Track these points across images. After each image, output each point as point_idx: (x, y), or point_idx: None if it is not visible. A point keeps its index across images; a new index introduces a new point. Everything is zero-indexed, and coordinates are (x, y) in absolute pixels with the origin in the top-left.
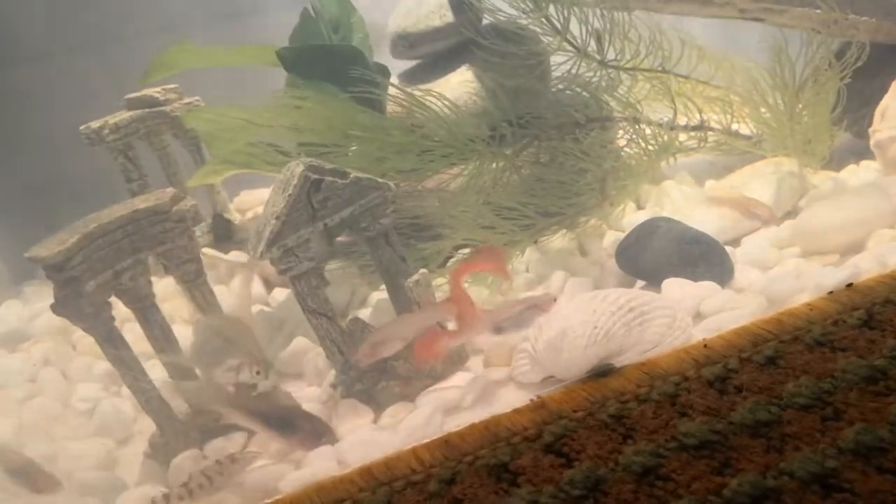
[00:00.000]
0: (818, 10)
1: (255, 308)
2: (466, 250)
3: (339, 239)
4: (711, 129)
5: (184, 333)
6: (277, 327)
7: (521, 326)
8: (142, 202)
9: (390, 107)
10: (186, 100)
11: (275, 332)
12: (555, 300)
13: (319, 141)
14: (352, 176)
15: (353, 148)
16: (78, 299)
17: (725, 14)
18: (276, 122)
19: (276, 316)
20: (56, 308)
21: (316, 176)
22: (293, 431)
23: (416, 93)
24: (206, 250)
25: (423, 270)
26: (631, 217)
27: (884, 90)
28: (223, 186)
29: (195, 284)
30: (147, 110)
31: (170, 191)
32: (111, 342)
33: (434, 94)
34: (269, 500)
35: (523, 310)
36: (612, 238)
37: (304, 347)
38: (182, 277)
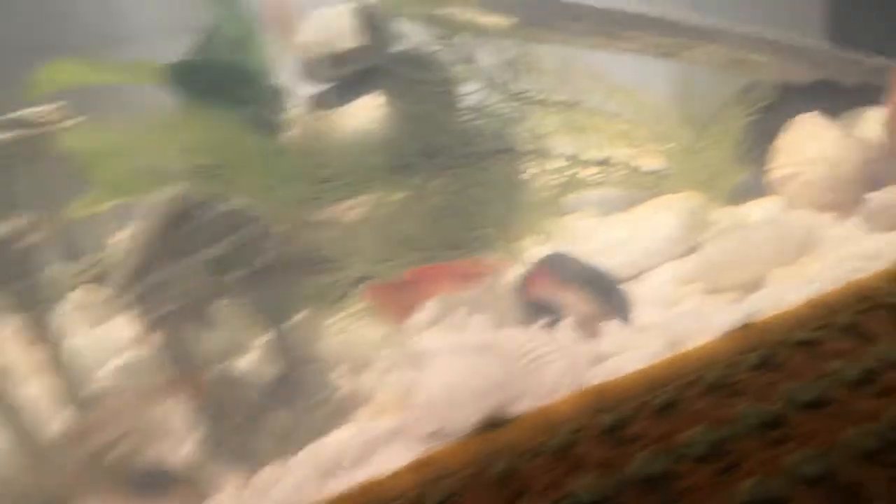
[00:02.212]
0: (724, 49)
1: (130, 353)
2: (362, 286)
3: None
4: (618, 163)
5: None
6: (156, 374)
7: None
8: None
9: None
10: (71, 120)
11: (154, 379)
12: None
13: (207, 164)
14: (225, 207)
15: (237, 177)
16: None
17: (634, 48)
18: (162, 142)
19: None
20: None
21: (183, 206)
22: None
23: (318, 118)
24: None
25: (305, 312)
26: (534, 251)
27: (782, 127)
28: (111, 216)
29: (39, 327)
30: (25, 132)
31: (10, 223)
32: None
33: (335, 119)
34: None
35: None
36: (515, 272)
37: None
38: (27, 321)
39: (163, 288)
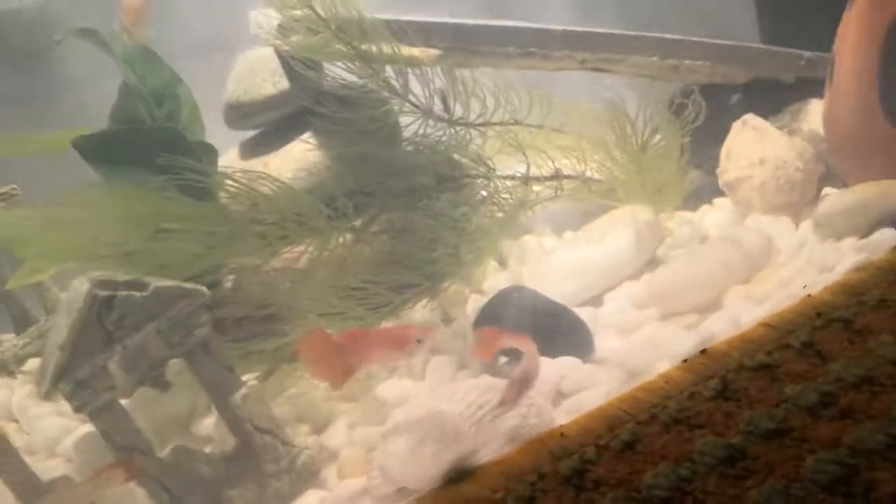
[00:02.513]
0: (655, 58)
1: (85, 429)
2: None
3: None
4: (566, 176)
5: None
6: (107, 454)
7: None
8: None
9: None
10: (1, 190)
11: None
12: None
13: (132, 239)
14: (152, 287)
15: (170, 248)
16: None
17: (567, 66)
18: (81, 221)
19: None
20: None
21: (106, 292)
22: None
23: (239, 172)
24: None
25: (252, 382)
26: (493, 279)
27: (727, 130)
28: (53, 283)
29: None
30: None
31: None
32: None
33: (258, 172)
34: None
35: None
36: (475, 302)
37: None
38: None
39: (97, 378)
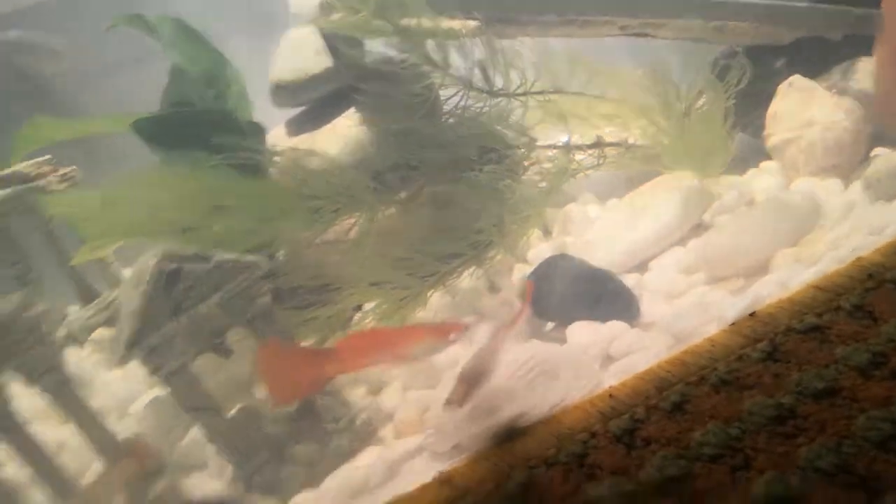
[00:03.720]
0: (698, 21)
1: (153, 394)
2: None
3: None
4: (609, 144)
5: None
6: (177, 414)
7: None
8: None
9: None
10: (62, 171)
11: (174, 419)
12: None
13: (190, 217)
14: (215, 260)
15: (229, 224)
16: None
17: (607, 33)
18: (140, 200)
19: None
20: None
21: (173, 266)
22: None
23: (288, 149)
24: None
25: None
26: (537, 247)
27: (773, 92)
28: (114, 259)
29: (59, 395)
30: (20, 187)
31: (15, 297)
32: None
33: (307, 149)
34: None
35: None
36: (520, 271)
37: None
38: (44, 389)
39: (167, 345)
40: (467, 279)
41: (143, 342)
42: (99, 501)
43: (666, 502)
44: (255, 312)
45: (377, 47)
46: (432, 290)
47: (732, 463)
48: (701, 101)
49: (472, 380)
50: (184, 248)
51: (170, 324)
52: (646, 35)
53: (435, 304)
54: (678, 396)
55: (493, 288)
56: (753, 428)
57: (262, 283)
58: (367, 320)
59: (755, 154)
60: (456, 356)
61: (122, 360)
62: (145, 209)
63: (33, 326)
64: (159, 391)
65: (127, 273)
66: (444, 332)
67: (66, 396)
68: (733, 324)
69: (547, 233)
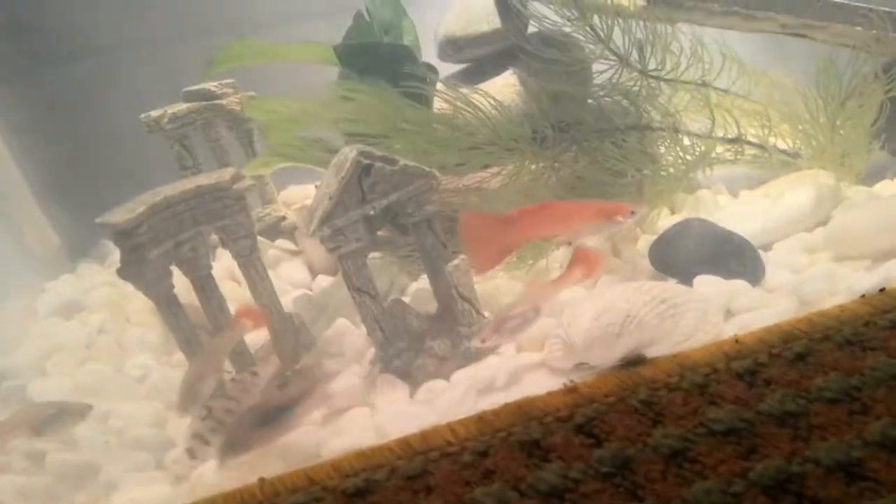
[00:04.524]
0: (859, 28)
1: (299, 292)
2: None
3: (379, 233)
4: (748, 142)
5: None
6: (320, 310)
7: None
8: (204, 179)
9: (437, 105)
10: (241, 94)
11: (318, 314)
12: None
13: (370, 132)
14: (400, 163)
15: (398, 143)
16: (142, 265)
17: (767, 29)
18: (331, 113)
19: (318, 301)
20: (121, 272)
21: (367, 161)
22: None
23: (464, 91)
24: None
25: (462, 256)
26: (664, 222)
27: None
28: (272, 179)
29: (249, 260)
30: (203, 103)
31: (230, 170)
32: (169, 308)
33: (481, 92)
34: (311, 464)
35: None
36: (645, 242)
37: (345, 329)
38: (237, 252)
39: (350, 229)
40: (594, 241)
41: (332, 221)
42: (220, 353)
43: (782, 431)
44: (422, 217)
45: (542, 12)
46: (561, 246)
47: (850, 408)
48: (849, 109)
49: (505, 325)
50: (376, 150)
51: (355, 210)
52: (803, 36)
53: (560, 256)
54: (802, 348)
55: (616, 252)
56: (873, 382)
57: (431, 192)
58: None
59: (891, 169)
60: (578, 297)
61: (314, 233)
62: (332, 122)
63: (240, 197)
64: (308, 292)
65: (282, 194)
66: (613, 212)
67: (254, 263)
68: (863, 296)
69: (675, 212)
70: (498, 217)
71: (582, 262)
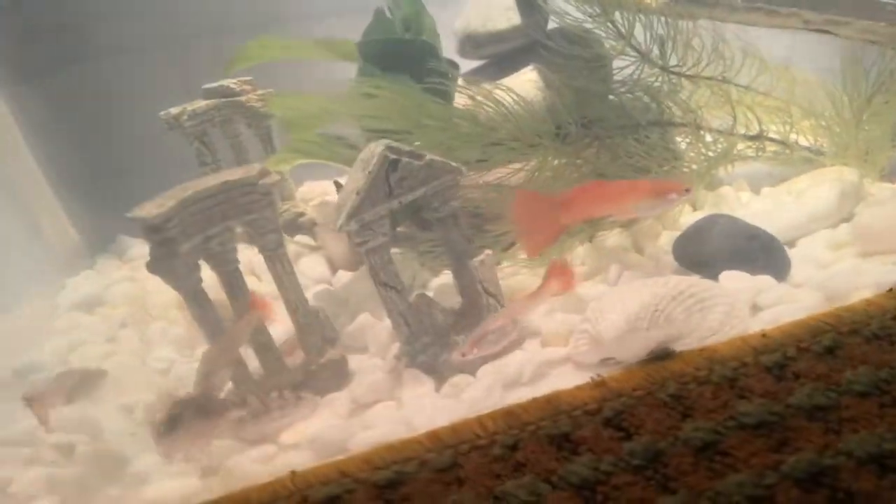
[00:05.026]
0: (882, 24)
1: (320, 287)
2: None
3: (399, 229)
4: (770, 139)
5: None
6: (342, 305)
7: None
8: (232, 174)
9: (459, 101)
10: (260, 91)
11: (340, 309)
12: None
13: (393, 128)
14: (427, 158)
15: (420, 140)
16: (172, 259)
17: (790, 25)
18: (353, 110)
19: (340, 295)
20: (151, 266)
21: (394, 156)
22: None
23: (486, 87)
24: None
25: (487, 251)
26: (687, 218)
27: None
28: (290, 175)
29: (276, 254)
30: (222, 100)
31: (257, 166)
32: (198, 302)
33: (503, 88)
34: (341, 457)
35: None
36: (667, 238)
37: (368, 323)
38: (264, 247)
39: (377, 223)
40: (615, 237)
41: (359, 216)
42: (238, 341)
43: (813, 425)
44: (447, 212)
45: (562, 8)
46: (581, 243)
47: (881, 401)
48: (874, 106)
49: (481, 338)
50: (403, 145)
51: (382, 205)
52: (827, 32)
53: (582, 253)
54: (830, 342)
55: (638, 249)
56: None
57: (457, 187)
58: (512, 263)
59: None
60: (599, 293)
61: (341, 228)
62: (353, 115)
63: (268, 191)
64: (329, 287)
65: (299, 190)
66: (668, 190)
67: (280, 258)
68: (890, 290)
69: (697, 208)
70: (552, 197)
71: (558, 276)
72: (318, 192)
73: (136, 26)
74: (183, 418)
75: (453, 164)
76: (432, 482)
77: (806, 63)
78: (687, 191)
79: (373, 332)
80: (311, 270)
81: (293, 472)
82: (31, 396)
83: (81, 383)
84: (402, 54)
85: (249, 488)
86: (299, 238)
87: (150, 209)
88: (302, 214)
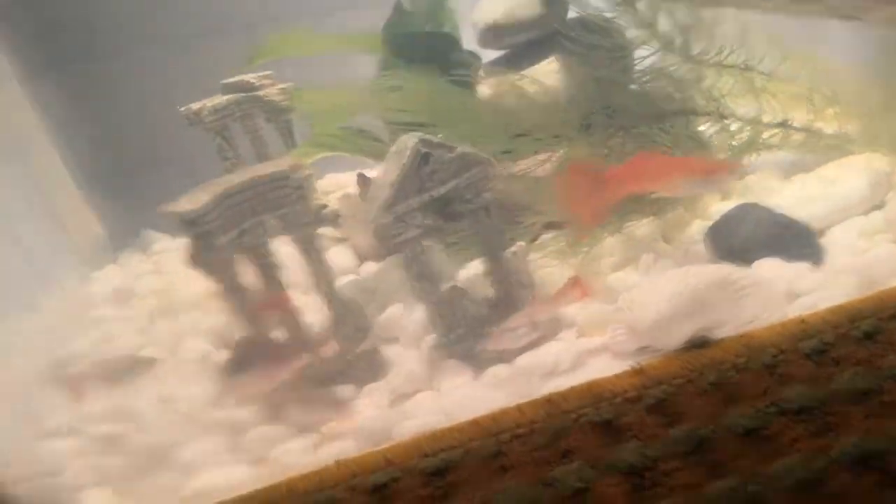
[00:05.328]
0: None
1: (348, 278)
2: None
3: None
4: (794, 127)
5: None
6: (370, 296)
7: None
8: (265, 168)
9: (482, 92)
10: (280, 86)
11: (368, 299)
12: None
13: (418, 120)
14: (458, 150)
15: (443, 132)
16: (210, 253)
17: (816, 11)
18: (379, 103)
19: (367, 286)
20: (190, 260)
21: (426, 149)
22: None
23: (507, 79)
24: None
25: (520, 243)
26: (716, 207)
27: None
28: (311, 169)
29: (310, 247)
30: (242, 94)
31: (289, 159)
32: (235, 294)
33: (528, 78)
34: (384, 446)
35: None
36: (695, 227)
37: (398, 314)
38: (298, 239)
39: (409, 216)
40: (645, 227)
41: (392, 209)
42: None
43: (856, 409)
44: (480, 204)
45: None
46: (609, 235)
47: None
48: None
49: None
50: (435, 137)
51: (414, 198)
52: (855, 18)
53: (612, 243)
54: (870, 327)
55: (667, 239)
56: None
57: (489, 179)
58: (541, 255)
59: None
60: (631, 283)
61: (374, 221)
62: (378, 110)
63: (300, 185)
64: (352, 277)
65: (319, 182)
66: (714, 170)
67: (314, 250)
68: None
69: (725, 197)
70: (602, 171)
71: (577, 285)
72: (339, 185)
73: (159, 21)
74: (250, 359)
75: (484, 155)
76: (479, 469)
77: (837, 52)
78: (737, 171)
79: (403, 323)
80: (337, 262)
81: (338, 461)
82: (70, 377)
83: (130, 368)
84: (425, 47)
85: (295, 477)
86: (322, 230)
87: (185, 203)
88: (325, 206)
